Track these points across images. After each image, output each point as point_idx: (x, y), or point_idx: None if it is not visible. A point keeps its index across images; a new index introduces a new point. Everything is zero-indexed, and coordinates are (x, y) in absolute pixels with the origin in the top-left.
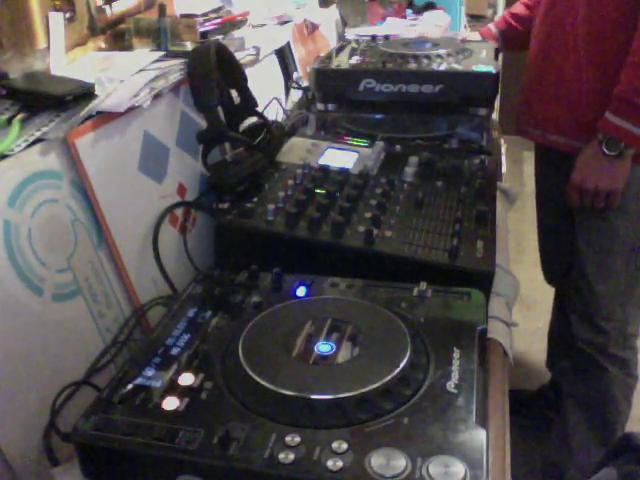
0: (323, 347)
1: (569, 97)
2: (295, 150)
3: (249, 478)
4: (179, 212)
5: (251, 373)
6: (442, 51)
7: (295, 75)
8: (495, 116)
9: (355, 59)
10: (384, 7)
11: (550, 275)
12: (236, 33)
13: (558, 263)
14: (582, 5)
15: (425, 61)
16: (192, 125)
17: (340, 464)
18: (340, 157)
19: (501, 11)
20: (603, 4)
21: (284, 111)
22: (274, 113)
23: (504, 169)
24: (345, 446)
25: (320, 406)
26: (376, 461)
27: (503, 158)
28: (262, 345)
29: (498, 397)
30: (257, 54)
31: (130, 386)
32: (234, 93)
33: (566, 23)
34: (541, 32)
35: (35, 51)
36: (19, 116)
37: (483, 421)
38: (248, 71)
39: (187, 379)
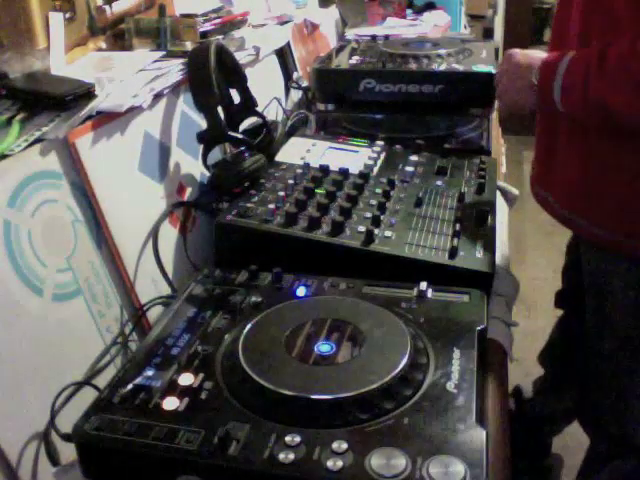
0: (323, 347)
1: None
2: (295, 150)
3: (249, 478)
4: (179, 212)
5: (251, 373)
6: (442, 51)
7: (295, 75)
8: (495, 116)
9: (355, 59)
10: (384, 7)
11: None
12: (236, 33)
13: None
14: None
15: (425, 61)
16: (192, 125)
17: (340, 464)
18: (340, 157)
19: (501, 11)
20: None
21: (284, 111)
22: (274, 113)
23: (504, 169)
24: (345, 446)
25: (320, 406)
26: (376, 461)
27: (503, 158)
28: (262, 345)
29: (498, 397)
30: (257, 54)
31: (130, 386)
32: (234, 93)
33: None
34: None
35: (35, 51)
36: (19, 116)
37: (483, 421)
38: (248, 71)
39: (187, 379)
